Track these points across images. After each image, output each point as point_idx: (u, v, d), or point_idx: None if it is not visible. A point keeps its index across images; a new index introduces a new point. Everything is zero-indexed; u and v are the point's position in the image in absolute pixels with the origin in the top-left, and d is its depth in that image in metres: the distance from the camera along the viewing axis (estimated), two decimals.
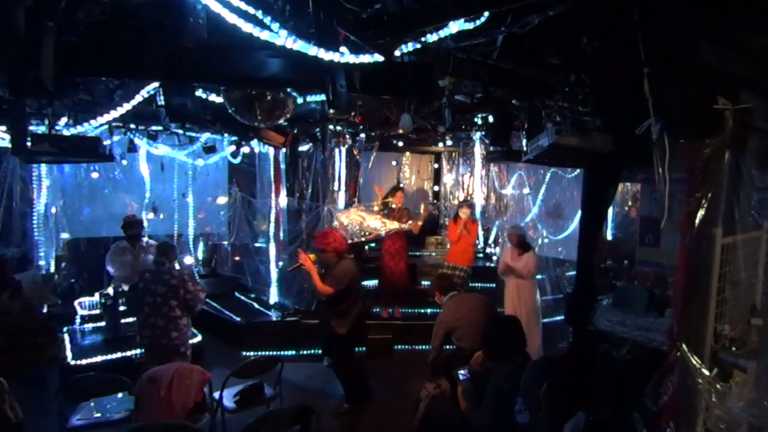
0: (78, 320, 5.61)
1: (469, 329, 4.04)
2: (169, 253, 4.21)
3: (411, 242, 6.73)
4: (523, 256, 5.56)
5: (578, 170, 5.89)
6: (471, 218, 6.41)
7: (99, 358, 4.82)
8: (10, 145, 3.32)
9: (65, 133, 4.06)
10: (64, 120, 4.10)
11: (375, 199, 6.72)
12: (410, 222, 6.26)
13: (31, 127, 3.83)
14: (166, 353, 3.97)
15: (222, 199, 8.42)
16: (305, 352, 5.96)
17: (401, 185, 8.75)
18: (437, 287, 4.54)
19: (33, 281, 4.40)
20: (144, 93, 3.66)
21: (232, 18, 2.25)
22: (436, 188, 9.52)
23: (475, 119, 5.88)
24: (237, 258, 7.86)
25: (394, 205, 6.44)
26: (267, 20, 2.31)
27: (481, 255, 8.02)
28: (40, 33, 2.21)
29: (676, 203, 2.26)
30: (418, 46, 2.59)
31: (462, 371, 3.49)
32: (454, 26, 2.45)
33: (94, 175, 6.84)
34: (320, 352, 5.60)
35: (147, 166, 7.24)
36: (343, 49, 2.45)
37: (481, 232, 8.03)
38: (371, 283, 6.81)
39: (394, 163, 9.16)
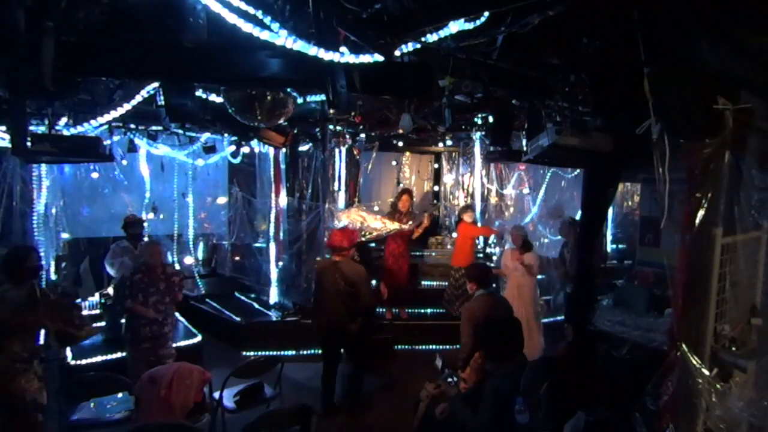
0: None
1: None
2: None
3: (412, 243, 6.72)
4: (525, 255, 5.56)
5: (578, 170, 5.89)
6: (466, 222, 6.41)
7: (99, 358, 4.82)
8: (10, 145, 3.31)
9: (65, 133, 4.06)
10: (64, 120, 4.09)
11: (376, 200, 6.68)
12: (411, 223, 6.24)
13: (31, 127, 3.82)
14: None
15: (222, 199, 8.42)
16: (305, 352, 5.96)
17: (401, 185, 8.74)
18: (472, 276, 4.10)
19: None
20: (144, 93, 3.66)
21: (232, 18, 2.25)
22: (436, 188, 9.50)
23: (475, 119, 5.87)
24: (237, 258, 7.85)
25: (399, 207, 6.41)
26: (267, 20, 2.32)
27: (480, 255, 8.00)
28: (40, 33, 2.21)
29: (676, 203, 2.26)
30: (418, 46, 2.60)
31: (450, 379, 3.47)
32: (454, 26, 2.45)
33: (94, 175, 6.83)
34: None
35: (147, 166, 7.23)
36: (343, 49, 2.45)
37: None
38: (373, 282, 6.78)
39: (394, 163, 9.15)
